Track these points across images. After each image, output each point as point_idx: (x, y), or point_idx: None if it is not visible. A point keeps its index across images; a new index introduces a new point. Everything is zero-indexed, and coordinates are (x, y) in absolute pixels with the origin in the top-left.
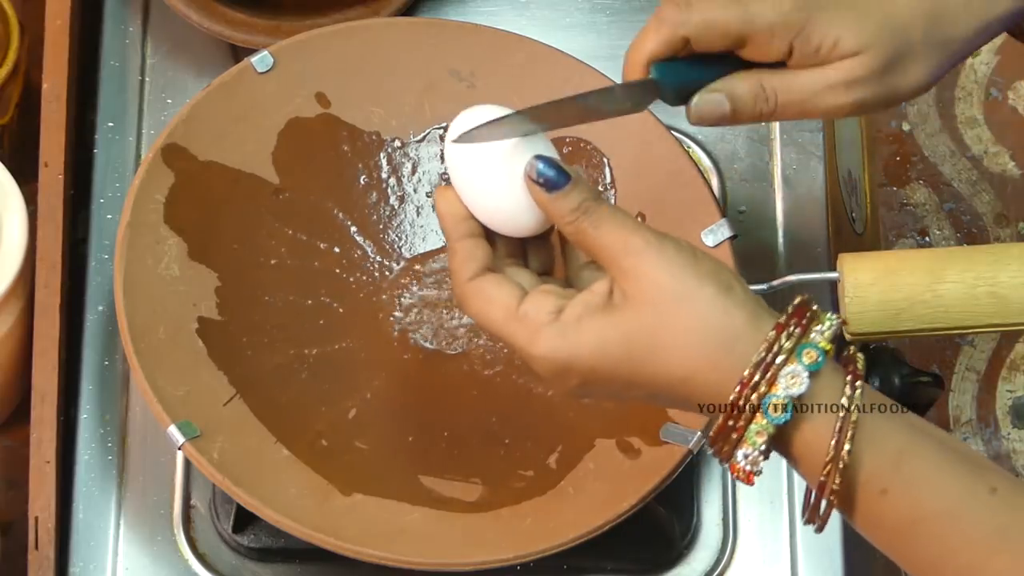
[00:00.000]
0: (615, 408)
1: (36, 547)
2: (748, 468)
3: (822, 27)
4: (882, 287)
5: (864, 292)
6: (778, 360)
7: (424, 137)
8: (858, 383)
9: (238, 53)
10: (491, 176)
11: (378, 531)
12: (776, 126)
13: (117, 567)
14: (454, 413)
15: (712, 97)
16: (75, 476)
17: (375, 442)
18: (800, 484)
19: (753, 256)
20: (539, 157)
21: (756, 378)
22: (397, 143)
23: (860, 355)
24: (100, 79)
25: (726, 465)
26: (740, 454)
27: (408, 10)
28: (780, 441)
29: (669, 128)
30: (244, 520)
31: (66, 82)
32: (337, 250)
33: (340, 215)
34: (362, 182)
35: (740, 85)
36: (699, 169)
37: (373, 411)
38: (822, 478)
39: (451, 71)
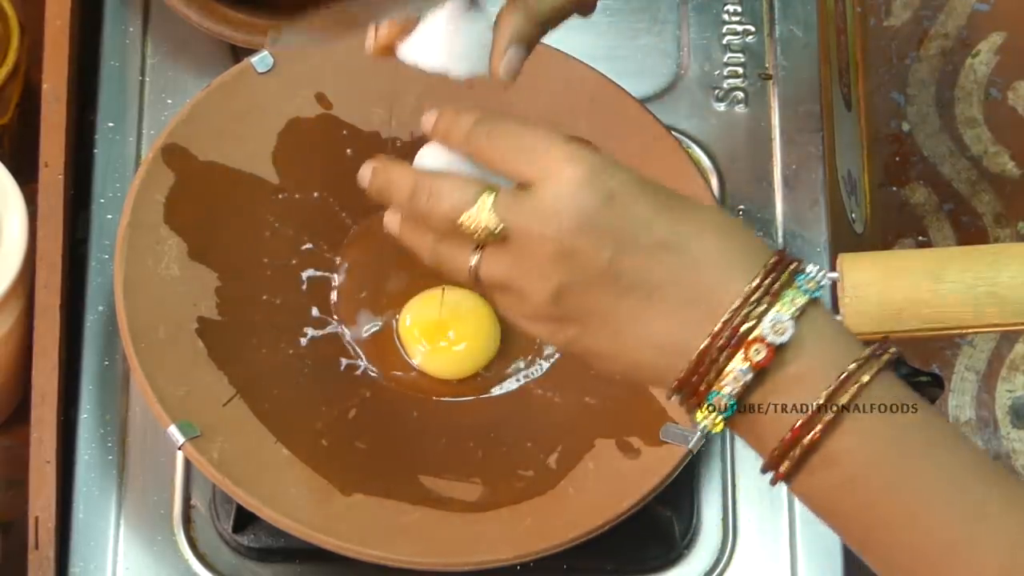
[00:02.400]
0: (615, 408)
1: (36, 547)
2: (775, 339)
3: None
4: (882, 287)
5: (864, 292)
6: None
7: (424, 137)
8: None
9: (238, 53)
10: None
11: (378, 531)
12: (776, 126)
13: (117, 567)
14: (454, 413)
15: (510, 55)
16: (75, 476)
17: (375, 442)
18: None
19: None
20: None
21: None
22: (397, 143)
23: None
24: (100, 79)
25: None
26: (769, 321)
27: None
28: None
29: (669, 128)
30: (244, 520)
31: (66, 82)
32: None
33: (341, 215)
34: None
35: (512, 22)
36: (699, 169)
37: (373, 411)
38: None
39: None
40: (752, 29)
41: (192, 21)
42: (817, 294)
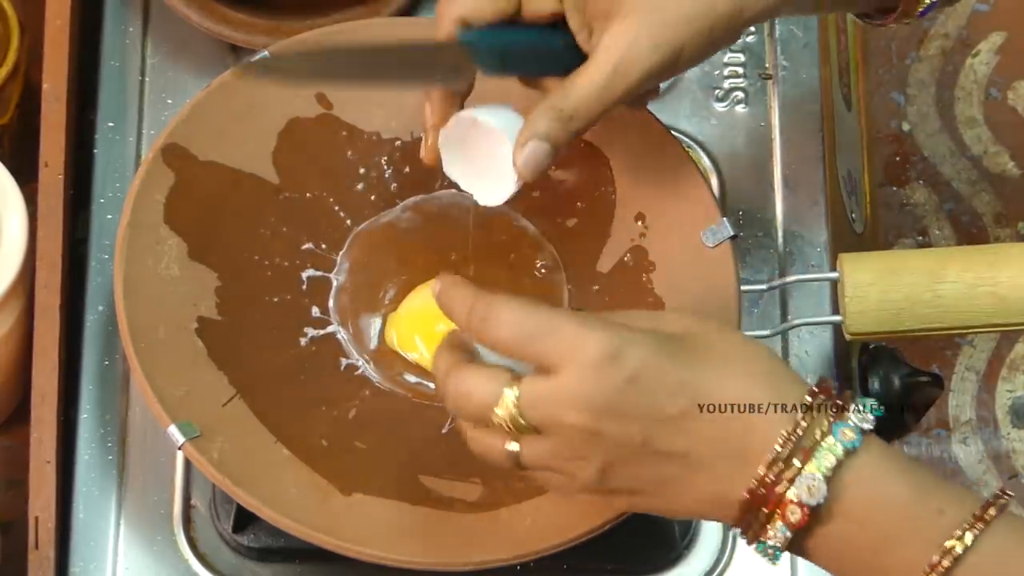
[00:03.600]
0: None
1: (36, 547)
2: (804, 504)
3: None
4: (882, 287)
5: (864, 292)
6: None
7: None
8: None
9: (238, 53)
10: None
11: (378, 531)
12: (776, 126)
13: (117, 567)
14: None
15: (529, 148)
16: (75, 476)
17: (375, 442)
18: None
19: (753, 256)
20: None
21: (817, 407)
22: (397, 143)
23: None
24: (100, 79)
25: (754, 544)
26: (818, 463)
27: (408, 10)
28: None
29: (669, 128)
30: (244, 520)
31: (66, 82)
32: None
33: (341, 214)
34: (362, 182)
35: (540, 122)
36: (699, 169)
37: (373, 411)
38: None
39: None
40: (752, 29)
41: (192, 21)
42: (855, 444)
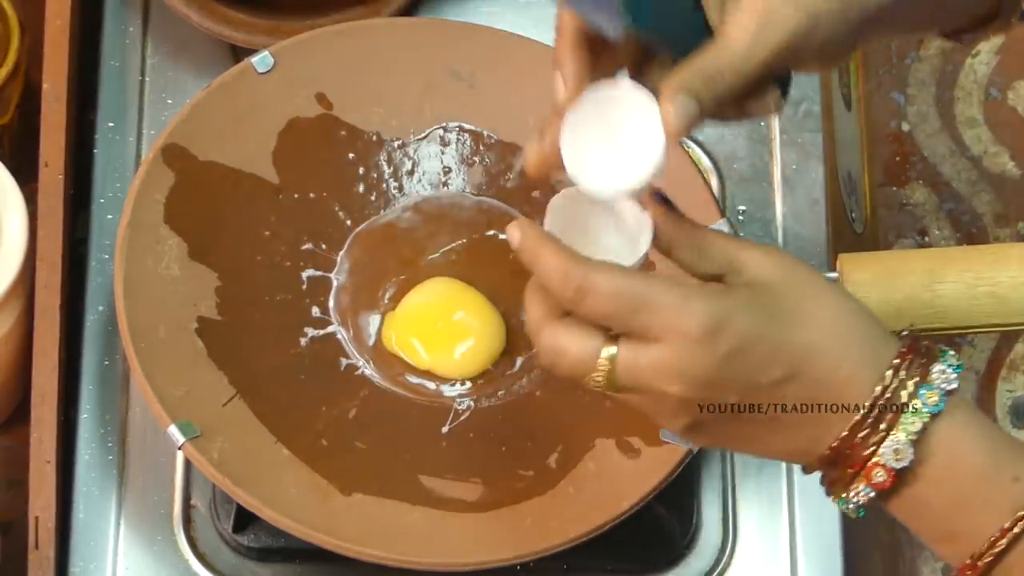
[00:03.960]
0: (615, 408)
1: (36, 547)
2: (893, 464)
3: None
4: (882, 287)
5: (864, 292)
6: (913, 375)
7: (424, 137)
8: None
9: (238, 53)
10: (595, 225)
11: (378, 531)
12: (776, 126)
13: (117, 567)
14: (454, 413)
15: (680, 100)
16: (75, 476)
17: (375, 442)
18: (802, 484)
19: None
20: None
21: (901, 374)
22: (397, 143)
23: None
24: (100, 79)
25: (834, 497)
26: (887, 448)
27: (408, 10)
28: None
29: None
30: (244, 520)
31: (66, 82)
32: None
33: (341, 214)
34: (362, 182)
35: (683, 76)
36: (699, 169)
37: (373, 411)
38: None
39: (451, 71)
40: None
41: (192, 21)
42: (940, 407)
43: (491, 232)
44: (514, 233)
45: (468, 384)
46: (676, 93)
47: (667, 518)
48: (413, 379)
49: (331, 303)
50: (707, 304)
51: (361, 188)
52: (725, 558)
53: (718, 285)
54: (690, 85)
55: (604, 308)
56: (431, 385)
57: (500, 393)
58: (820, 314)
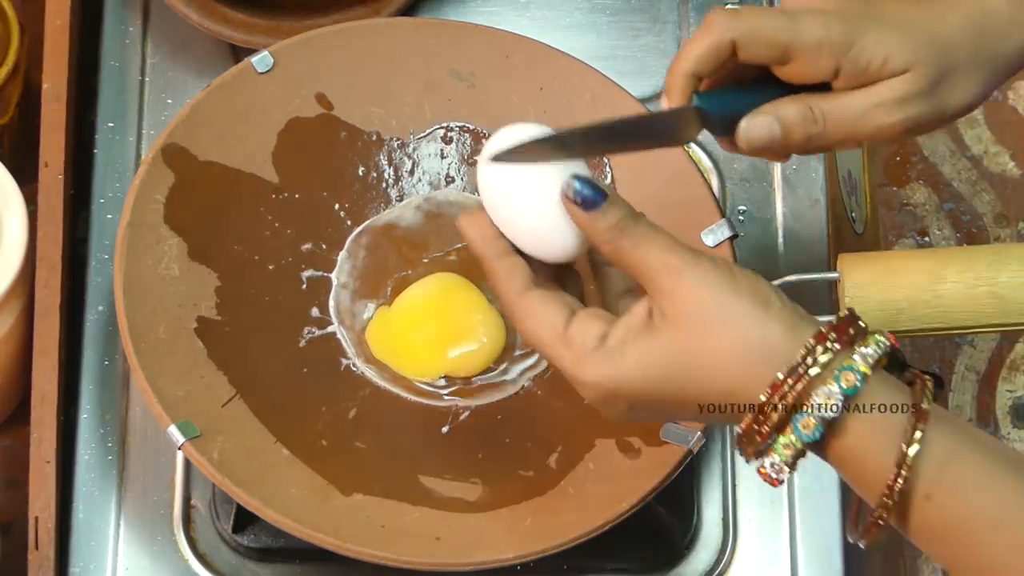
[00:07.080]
0: None
1: (36, 547)
2: (773, 476)
3: (871, 45)
4: (882, 287)
5: (864, 292)
6: (811, 372)
7: (424, 136)
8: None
9: (238, 53)
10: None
11: (378, 531)
12: None
13: (117, 567)
14: (454, 413)
15: (760, 120)
16: (75, 476)
17: (375, 442)
18: (802, 484)
19: (753, 256)
20: (576, 176)
21: (787, 384)
22: (397, 143)
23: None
24: (100, 79)
25: (750, 463)
26: (767, 462)
27: (408, 10)
28: (818, 446)
29: None
30: (244, 520)
31: (66, 82)
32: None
33: (341, 214)
34: (362, 182)
35: (788, 107)
36: (699, 169)
37: (373, 411)
38: (889, 487)
39: (451, 71)
40: None
41: (192, 21)
42: (811, 438)
43: None
44: (468, 232)
45: (468, 384)
46: (766, 113)
47: (667, 518)
48: (413, 379)
49: (331, 303)
50: (599, 374)
51: (361, 188)
52: (725, 558)
53: (617, 338)
54: (787, 115)
55: (526, 339)
56: (431, 385)
57: (498, 392)
58: (720, 347)
